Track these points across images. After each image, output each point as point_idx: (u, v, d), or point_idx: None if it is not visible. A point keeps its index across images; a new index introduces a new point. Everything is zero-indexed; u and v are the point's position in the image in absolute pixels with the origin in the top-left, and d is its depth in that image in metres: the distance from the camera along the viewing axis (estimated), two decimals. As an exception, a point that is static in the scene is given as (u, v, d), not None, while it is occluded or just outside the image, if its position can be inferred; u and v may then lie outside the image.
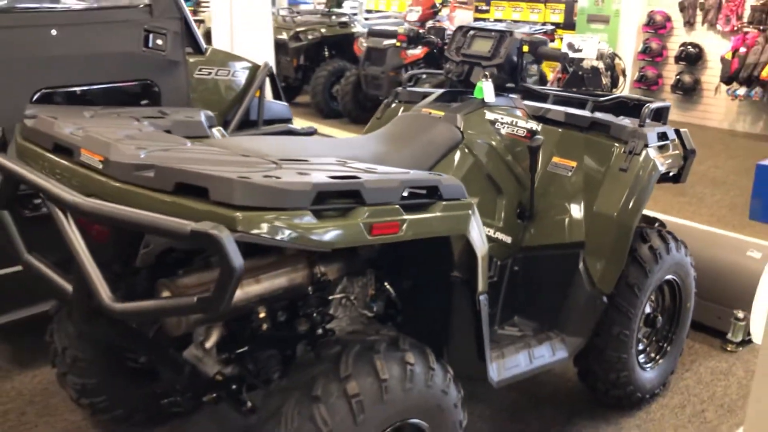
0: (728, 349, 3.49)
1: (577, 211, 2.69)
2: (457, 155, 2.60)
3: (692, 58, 9.17)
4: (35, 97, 2.83)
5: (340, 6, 9.36)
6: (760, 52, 8.31)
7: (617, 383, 2.80)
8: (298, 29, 8.64)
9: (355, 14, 9.35)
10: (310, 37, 8.63)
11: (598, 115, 2.82)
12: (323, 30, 8.76)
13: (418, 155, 2.53)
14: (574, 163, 2.76)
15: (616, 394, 2.85)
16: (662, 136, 2.74)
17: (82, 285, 1.70)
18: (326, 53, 8.89)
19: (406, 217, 1.75)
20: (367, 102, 8.15)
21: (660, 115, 2.89)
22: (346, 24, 8.90)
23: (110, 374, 2.51)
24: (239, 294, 1.91)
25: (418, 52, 7.71)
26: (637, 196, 2.57)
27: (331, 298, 2.24)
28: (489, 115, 2.72)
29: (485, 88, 2.72)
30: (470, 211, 1.94)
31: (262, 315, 2.04)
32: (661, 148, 2.73)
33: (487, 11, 10.86)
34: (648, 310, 2.91)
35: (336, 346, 1.87)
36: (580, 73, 6.81)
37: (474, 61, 2.81)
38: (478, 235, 1.99)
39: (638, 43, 9.58)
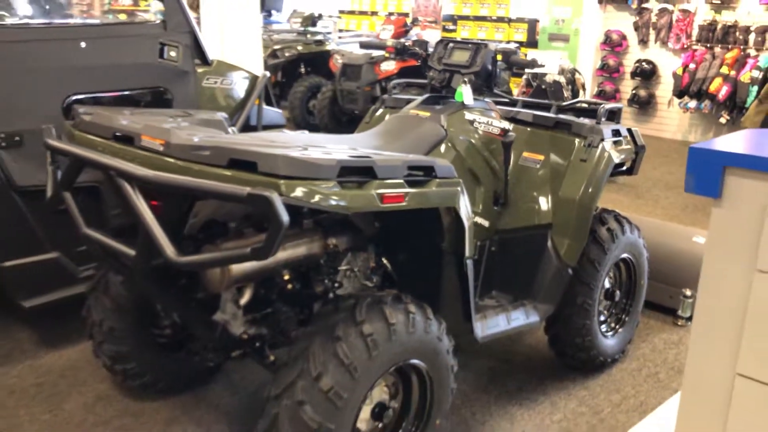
0: (678, 323, 3.94)
1: (544, 197, 3.12)
2: (442, 149, 3.01)
3: (647, 73, 9.79)
4: (66, 102, 3.18)
5: (314, 25, 9.78)
6: (708, 68, 8.93)
7: (582, 347, 3.22)
8: (276, 47, 9.05)
9: (329, 33, 9.79)
10: (287, 54, 9.03)
11: (561, 116, 3.27)
12: (300, 48, 9.17)
13: (408, 149, 2.93)
14: (541, 157, 3.19)
15: (581, 357, 3.27)
16: (616, 133, 3.19)
17: (145, 246, 2.06)
18: (302, 70, 9.30)
19: (409, 190, 2.15)
20: (342, 116, 8.57)
21: (614, 115, 3.34)
22: (321, 42, 9.33)
23: (141, 343, 2.86)
24: (269, 259, 2.29)
25: (392, 67, 8.16)
26: (595, 182, 3.01)
27: (339, 269, 2.62)
28: (468, 116, 3.14)
29: (465, 92, 3.15)
30: (459, 188, 2.35)
31: (286, 277, 2.42)
32: (615, 143, 3.18)
33: (453, 30, 11.38)
34: (607, 285, 3.35)
35: (350, 300, 2.26)
36: (543, 87, 7.32)
37: (454, 69, 3.24)
38: (465, 207, 2.40)
39: (596, 60, 10.18)
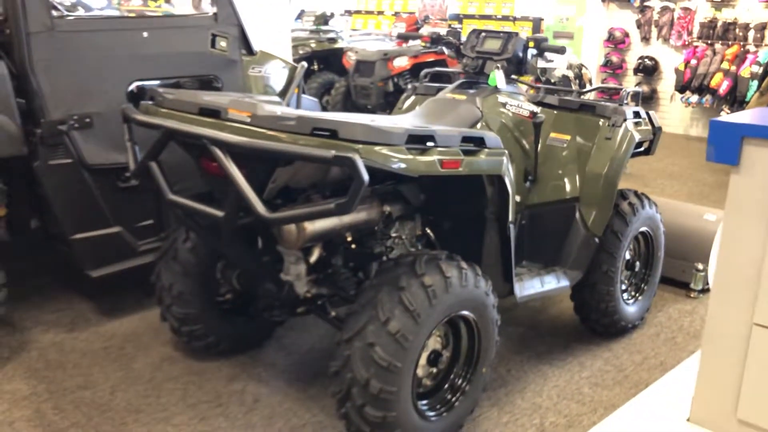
0: (691, 296, 4.22)
1: (572, 174, 3.39)
2: (478, 129, 3.28)
3: (649, 69, 10.09)
4: (130, 88, 3.45)
5: (326, 24, 10.05)
6: (709, 63, 9.23)
7: (606, 312, 3.49)
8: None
9: (341, 31, 10.06)
10: (300, 51, 9.28)
11: (585, 99, 3.55)
12: (313, 45, 9.43)
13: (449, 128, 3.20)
14: (567, 137, 3.47)
15: (605, 321, 3.54)
16: (636, 114, 3.47)
17: (234, 206, 2.33)
18: (315, 67, 9.56)
19: (463, 157, 2.43)
20: (355, 111, 8.83)
21: (635, 98, 3.62)
22: (334, 39, 9.60)
23: (206, 307, 3.12)
24: (336, 222, 2.57)
25: (405, 63, 8.44)
26: (619, 158, 3.28)
27: (390, 235, 2.89)
28: (500, 99, 3.41)
29: (497, 77, 3.42)
30: (505, 157, 2.62)
31: (349, 239, 2.69)
32: (636, 123, 3.45)
33: (460, 29, 11.65)
34: (628, 256, 3.62)
35: (410, 257, 2.53)
36: (552, 81, 7.61)
37: (487, 57, 3.51)
38: (510, 175, 2.67)
39: (600, 57, 10.48)
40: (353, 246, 2.76)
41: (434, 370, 2.64)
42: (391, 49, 8.58)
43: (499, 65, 3.44)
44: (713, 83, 9.10)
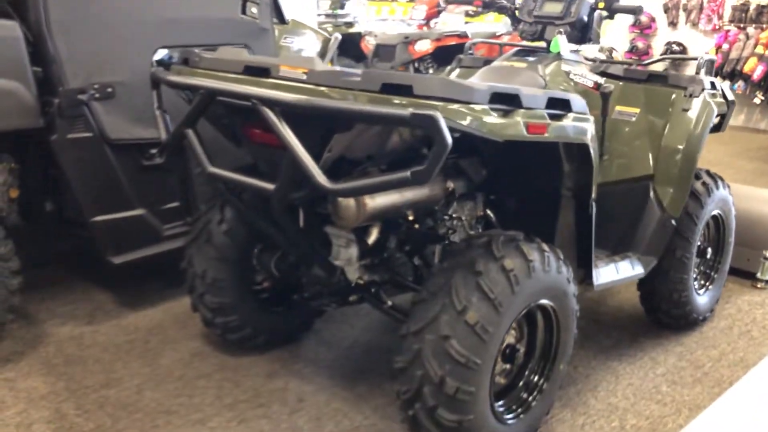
0: (758, 286, 3.89)
1: (642, 150, 3.06)
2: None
3: (677, 53, 9.72)
4: (156, 55, 3.12)
5: (342, 8, 9.73)
6: (741, 48, 8.88)
7: (678, 303, 3.17)
8: (306, 29, 8.98)
9: (357, 15, 9.74)
10: (317, 36, 8.97)
11: (653, 69, 3.22)
12: (330, 29, 9.10)
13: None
14: (636, 110, 3.15)
15: (675, 313, 3.22)
16: (713, 85, 3.14)
17: (289, 177, 2.01)
18: (332, 52, 9.23)
19: (550, 122, 2.10)
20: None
21: (709, 69, 3.29)
22: (351, 24, 9.28)
23: (242, 296, 2.81)
24: (398, 197, 2.25)
25: (427, 47, 8.11)
26: (699, 131, 2.96)
27: (452, 215, 2.57)
28: (564, 67, 3.09)
29: (561, 43, 3.09)
30: (591, 124, 2.30)
31: (411, 218, 2.38)
32: (712, 95, 3.13)
33: (480, 12, 11.31)
34: (698, 242, 3.29)
35: (483, 237, 2.21)
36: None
37: (547, 21, 3.18)
38: (595, 144, 2.35)
39: (625, 43, 10.13)
40: (414, 226, 2.44)
41: (508, 366, 2.33)
42: (412, 32, 8.25)
43: (561, 30, 3.12)
44: (747, 68, 8.74)
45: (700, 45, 9.54)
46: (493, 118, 1.90)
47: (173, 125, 2.40)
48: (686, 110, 2.99)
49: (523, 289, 2.12)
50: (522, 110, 2.01)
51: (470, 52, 3.79)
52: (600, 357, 3.06)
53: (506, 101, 1.98)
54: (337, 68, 2.02)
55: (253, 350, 2.96)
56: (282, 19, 3.65)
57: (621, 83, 3.23)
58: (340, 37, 3.96)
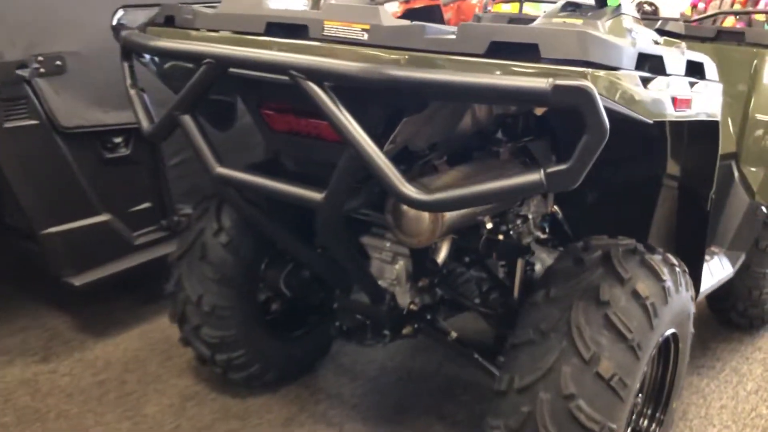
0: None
1: (722, 122, 2.55)
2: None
3: (649, 14, 9.31)
4: (117, 17, 2.43)
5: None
6: (718, 7, 8.50)
7: (758, 301, 2.70)
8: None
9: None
10: None
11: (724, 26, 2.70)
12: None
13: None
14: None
15: (752, 313, 2.76)
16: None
17: (342, 184, 1.41)
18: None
19: (693, 92, 1.55)
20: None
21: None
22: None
23: (250, 325, 2.21)
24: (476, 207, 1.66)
25: (395, 9, 7.45)
26: (795, 97, 2.46)
27: (520, 214, 2.01)
28: (626, 23, 2.54)
29: (622, -6, 2.54)
30: (722, 94, 1.76)
31: (489, 225, 1.79)
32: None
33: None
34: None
35: (593, 251, 1.65)
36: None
37: (601, -32, 2.62)
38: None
39: (594, 3, 9.67)
40: (492, 235, 1.85)
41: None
42: (378, -5, 7.58)
43: (622, -22, 2.56)
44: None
45: (675, 3, 9.14)
46: (643, 91, 1.34)
47: (155, 109, 1.76)
48: (777, 73, 2.48)
49: (661, 322, 1.58)
50: (664, 78, 1.45)
51: (488, 9, 3.21)
52: (676, 372, 2.57)
53: (649, 65, 1.42)
54: (414, 23, 1.42)
55: (263, 389, 2.36)
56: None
57: (684, 43, 2.71)
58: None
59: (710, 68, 1.70)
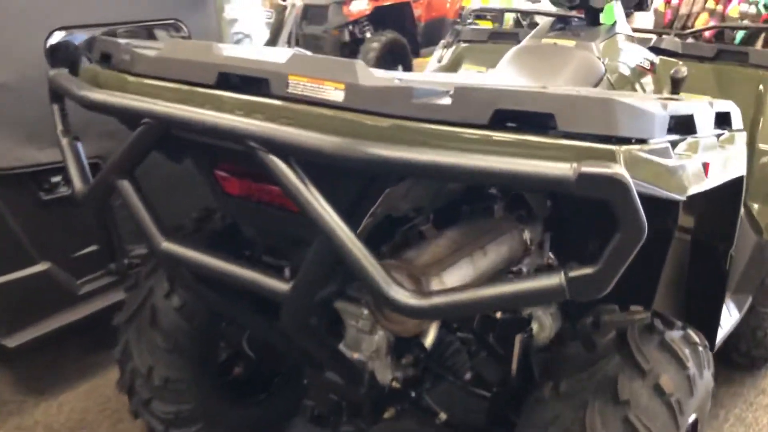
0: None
1: (722, 151, 2.35)
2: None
3: (622, 11, 9.18)
4: (50, 41, 2.14)
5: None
6: (692, 3, 8.37)
7: (762, 342, 2.52)
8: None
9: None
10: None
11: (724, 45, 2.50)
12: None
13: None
14: (706, 99, 2.42)
15: (756, 354, 2.57)
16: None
17: (317, 275, 1.15)
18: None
19: (722, 152, 1.33)
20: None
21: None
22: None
23: (209, 395, 1.94)
24: (472, 274, 1.42)
25: (364, 7, 7.18)
26: (806, 127, 2.26)
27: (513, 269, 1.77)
28: (621, 43, 2.32)
29: (617, 11, 2.32)
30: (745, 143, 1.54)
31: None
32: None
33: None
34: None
35: (606, 331, 1.42)
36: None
37: (596, -19, 2.39)
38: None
39: (566, -2, 9.49)
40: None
41: None
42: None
43: (617, -7, 2.34)
44: (698, 24, 8.25)
45: None
46: (674, 164, 1.10)
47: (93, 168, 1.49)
48: (786, 100, 2.28)
49: (685, 419, 1.36)
50: (694, 140, 1.22)
51: (469, 21, 2.97)
52: (678, 423, 2.37)
53: (677, 126, 1.19)
54: (402, 76, 1.17)
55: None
56: (222, -18, 2.69)
57: (681, 62, 2.50)
58: (298, 3, 3.02)
59: (736, 117, 1.47)
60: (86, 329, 2.45)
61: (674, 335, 1.44)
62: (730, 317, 2.20)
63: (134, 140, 1.27)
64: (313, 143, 1.04)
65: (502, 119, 1.03)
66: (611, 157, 0.96)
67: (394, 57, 7.38)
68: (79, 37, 1.81)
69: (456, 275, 1.36)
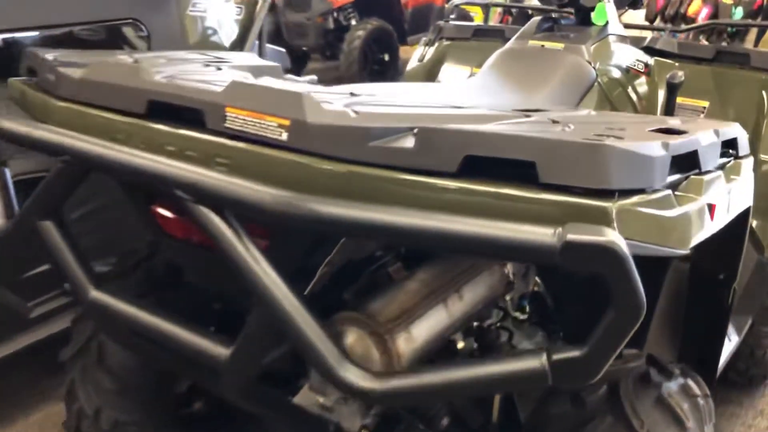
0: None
1: (721, 162, 2.19)
2: (594, 98, 2.02)
3: None
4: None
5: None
6: (681, -12, 8.21)
7: (761, 361, 2.38)
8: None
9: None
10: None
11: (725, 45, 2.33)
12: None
13: (553, 102, 1.92)
14: (704, 104, 2.27)
15: (753, 373, 2.44)
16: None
17: (258, 342, 0.99)
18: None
19: (729, 187, 1.17)
20: (290, 54, 7.30)
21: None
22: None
23: (163, 433, 1.78)
24: (446, 321, 1.26)
25: (347, -8, 6.98)
26: (812, 137, 2.11)
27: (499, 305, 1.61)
28: (614, 45, 2.16)
29: (609, 11, 2.15)
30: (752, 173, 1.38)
31: (461, 345, 1.39)
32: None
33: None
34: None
35: (595, 386, 1.26)
36: (530, 13, 6.38)
37: (586, -21, 2.22)
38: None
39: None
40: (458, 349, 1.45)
41: None
42: (329, -22, 7.09)
43: (609, -8, 2.17)
44: (691, 11, 8.08)
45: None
46: (676, 214, 0.94)
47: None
48: (790, 106, 2.13)
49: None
50: (699, 179, 1.06)
51: (452, 17, 2.79)
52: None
53: (679, 163, 1.03)
54: (360, 104, 1.00)
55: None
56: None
57: (677, 64, 2.34)
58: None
59: (743, 141, 1.31)
60: (39, 353, 2.29)
61: (672, 388, 1.29)
62: (729, 342, 2.05)
63: (52, 179, 1.10)
64: (251, 196, 0.87)
65: (473, 166, 0.87)
66: (603, 217, 0.80)
67: (380, 45, 7.19)
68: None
69: (426, 327, 1.20)
